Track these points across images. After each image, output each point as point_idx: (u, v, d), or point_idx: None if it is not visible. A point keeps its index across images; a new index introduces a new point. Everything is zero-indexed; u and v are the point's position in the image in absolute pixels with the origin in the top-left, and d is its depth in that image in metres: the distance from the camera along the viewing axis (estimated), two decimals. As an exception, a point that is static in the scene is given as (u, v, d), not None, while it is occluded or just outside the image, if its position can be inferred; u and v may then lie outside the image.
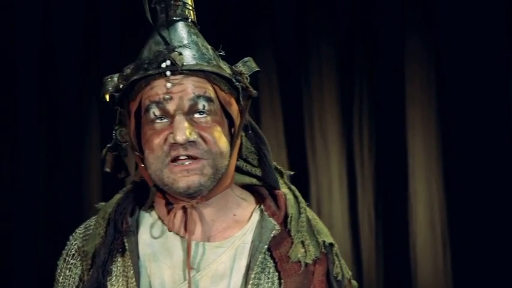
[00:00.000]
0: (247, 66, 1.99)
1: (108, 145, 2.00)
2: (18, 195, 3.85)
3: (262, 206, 1.98)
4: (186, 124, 1.84)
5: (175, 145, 1.84)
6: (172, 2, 1.95)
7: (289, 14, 3.88)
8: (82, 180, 3.87)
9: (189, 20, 1.97)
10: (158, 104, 1.86)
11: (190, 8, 1.98)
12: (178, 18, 1.95)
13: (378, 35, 3.84)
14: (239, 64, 1.99)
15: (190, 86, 1.87)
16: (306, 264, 1.91)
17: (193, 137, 1.84)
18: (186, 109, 1.86)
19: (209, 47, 1.95)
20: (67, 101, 3.89)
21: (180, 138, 1.82)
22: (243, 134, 2.00)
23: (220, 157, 1.87)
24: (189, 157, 1.85)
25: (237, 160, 1.99)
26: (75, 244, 2.01)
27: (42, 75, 3.91)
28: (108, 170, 2.02)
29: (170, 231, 1.92)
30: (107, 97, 1.98)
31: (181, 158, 1.85)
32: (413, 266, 3.74)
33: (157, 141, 1.86)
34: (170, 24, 1.93)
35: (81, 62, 3.91)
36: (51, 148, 3.89)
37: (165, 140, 1.85)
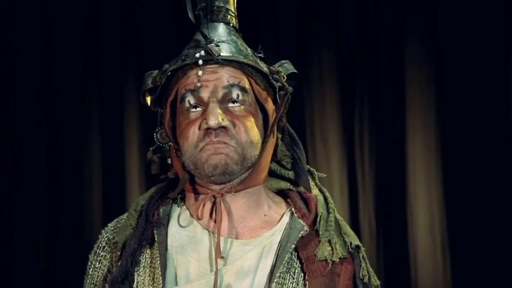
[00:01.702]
0: (284, 67, 2.05)
1: (151, 148, 2.04)
2: (18, 195, 3.83)
3: (292, 209, 2.00)
4: (218, 110, 1.88)
5: (208, 131, 1.87)
6: (215, 8, 2.02)
7: (290, 20, 3.88)
8: (83, 180, 3.85)
9: (231, 24, 2.04)
10: (193, 92, 1.90)
11: (233, 14, 2.06)
12: (220, 22, 2.02)
13: (378, 41, 3.84)
14: (276, 65, 2.05)
15: (225, 75, 1.92)
16: (333, 262, 1.92)
17: (225, 123, 1.88)
18: (220, 97, 1.90)
19: (248, 47, 2.01)
20: (67, 101, 3.87)
21: (212, 122, 1.86)
22: (279, 136, 2.04)
23: (250, 146, 1.91)
24: (219, 142, 1.88)
25: (271, 162, 2.02)
26: (105, 237, 2.04)
27: (43, 76, 3.89)
28: (155, 171, 2.06)
29: (199, 219, 1.94)
30: (148, 100, 2.02)
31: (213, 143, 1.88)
32: (414, 272, 3.74)
33: (192, 128, 1.89)
34: (211, 26, 1.99)
35: (82, 62, 3.89)
36: (51, 148, 3.86)
37: (199, 126, 1.89)
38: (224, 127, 1.87)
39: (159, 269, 1.89)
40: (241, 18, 3.80)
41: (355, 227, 3.79)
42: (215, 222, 1.92)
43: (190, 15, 1.97)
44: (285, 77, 2.02)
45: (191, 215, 1.98)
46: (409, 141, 3.79)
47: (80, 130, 3.87)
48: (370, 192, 3.80)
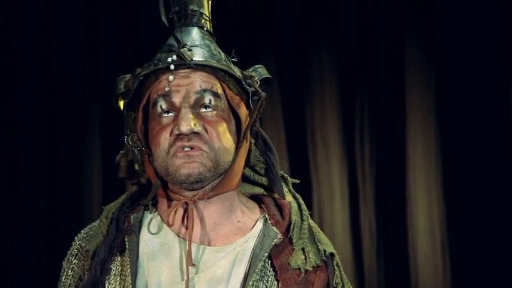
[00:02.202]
0: (258, 72, 2.03)
1: (121, 151, 2.04)
2: (18, 198, 3.84)
3: (266, 215, 1.99)
4: (191, 115, 1.86)
5: (180, 136, 1.86)
6: (189, 12, 2.00)
7: (291, 24, 3.88)
8: (84, 181, 3.87)
9: (205, 28, 2.01)
10: (165, 96, 1.89)
11: (207, 18, 2.03)
12: (193, 26, 2.00)
13: (378, 45, 3.84)
14: (250, 69, 2.03)
15: (197, 80, 1.90)
16: (306, 271, 1.91)
17: (198, 128, 1.86)
18: (192, 102, 1.89)
19: (221, 52, 1.99)
20: (67, 102, 3.88)
21: (184, 128, 1.85)
22: (252, 141, 2.02)
23: (223, 152, 1.89)
24: (192, 148, 1.87)
25: (244, 168, 2.01)
26: (78, 244, 2.04)
27: (43, 77, 3.90)
28: (122, 175, 2.06)
29: (170, 226, 1.93)
30: (121, 104, 2.02)
31: (185, 149, 1.87)
32: (414, 275, 3.74)
33: (164, 134, 1.88)
34: (185, 30, 1.97)
35: (82, 63, 3.91)
36: (51, 149, 3.88)
37: (171, 132, 1.88)
38: (197, 133, 1.86)
39: (129, 277, 1.88)
40: (241, 23, 3.84)
41: (356, 230, 3.79)
42: (187, 228, 1.91)
43: (163, 19, 1.96)
44: (259, 82, 2.00)
45: (163, 221, 1.96)
46: (409, 145, 3.79)
47: (80, 131, 3.88)
48: (371, 196, 3.80)
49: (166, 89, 1.89)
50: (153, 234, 1.95)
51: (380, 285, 3.77)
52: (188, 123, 1.85)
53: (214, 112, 1.90)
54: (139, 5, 3.90)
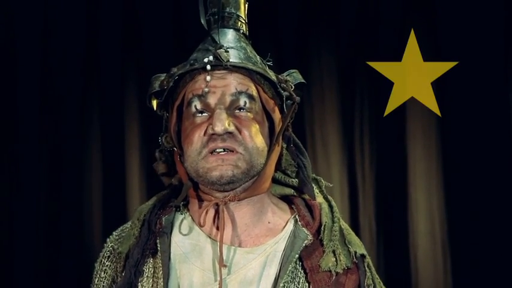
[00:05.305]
0: (293, 76, 2.02)
1: (158, 149, 2.03)
2: (18, 199, 3.82)
3: (296, 216, 1.98)
4: (225, 116, 1.86)
5: (213, 136, 1.86)
6: (226, 14, 1.99)
7: (290, 24, 3.88)
8: (83, 186, 3.84)
9: (241, 31, 2.01)
10: (200, 97, 1.89)
11: (243, 21, 2.03)
12: (230, 28, 1.99)
13: (378, 46, 3.84)
14: (285, 74, 2.02)
15: (233, 82, 1.90)
16: (337, 274, 1.91)
17: (231, 128, 1.86)
18: (227, 104, 1.89)
19: (257, 55, 1.99)
20: (68, 108, 3.86)
21: (218, 128, 1.84)
22: (284, 145, 2.02)
23: (257, 153, 1.89)
24: (226, 149, 1.86)
25: (276, 172, 2.00)
26: (110, 246, 2.03)
27: (43, 83, 3.88)
28: (163, 171, 2.04)
29: (201, 226, 1.92)
30: (154, 104, 2.00)
31: (218, 150, 1.86)
32: (414, 277, 3.74)
33: (198, 133, 1.88)
34: (221, 31, 1.97)
35: (82, 68, 3.88)
36: (52, 155, 3.85)
37: (205, 132, 1.87)
38: (230, 133, 1.86)
39: (161, 279, 1.88)
40: (243, 22, 3.82)
41: (356, 231, 3.73)
42: (218, 229, 1.91)
43: (202, 21, 1.97)
44: (293, 87, 2.00)
45: (194, 222, 1.96)
46: (410, 145, 3.79)
47: (80, 131, 3.86)
48: (371, 196, 3.80)
49: (206, 89, 1.88)
50: (184, 235, 1.95)
51: (380, 286, 3.75)
52: (223, 123, 1.84)
53: (249, 114, 1.90)
54: (140, 14, 3.88)
